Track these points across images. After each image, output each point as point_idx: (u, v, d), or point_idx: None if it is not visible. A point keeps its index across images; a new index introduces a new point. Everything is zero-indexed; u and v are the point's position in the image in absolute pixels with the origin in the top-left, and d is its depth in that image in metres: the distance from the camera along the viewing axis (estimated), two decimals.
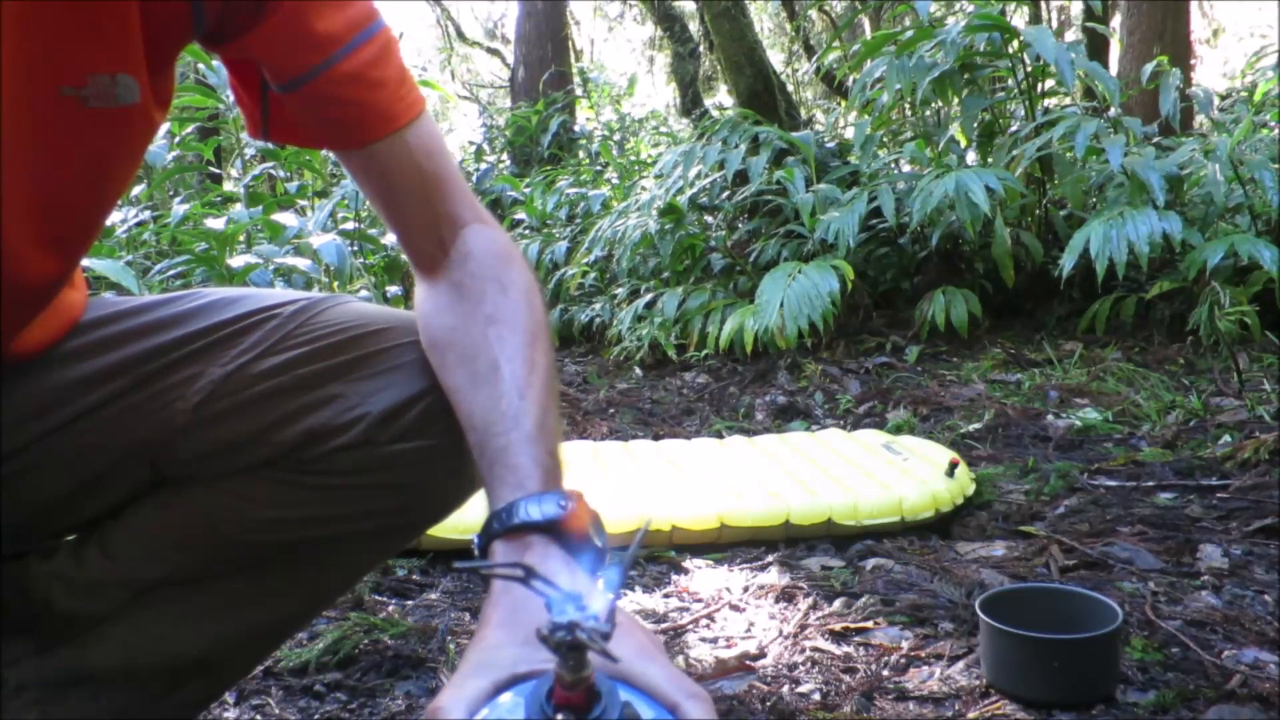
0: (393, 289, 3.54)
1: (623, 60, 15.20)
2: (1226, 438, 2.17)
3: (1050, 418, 2.48)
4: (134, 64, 0.68)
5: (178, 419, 0.80)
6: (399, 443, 0.81)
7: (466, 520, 1.29)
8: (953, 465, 1.86)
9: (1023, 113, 3.69)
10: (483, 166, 6.87)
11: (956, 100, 3.70)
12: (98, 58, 0.66)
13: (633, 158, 6.68)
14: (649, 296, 3.78)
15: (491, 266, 0.81)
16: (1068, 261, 2.94)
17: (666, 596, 1.54)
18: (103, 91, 0.66)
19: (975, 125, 3.69)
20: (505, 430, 0.70)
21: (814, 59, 8.62)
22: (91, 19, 0.64)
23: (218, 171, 5.06)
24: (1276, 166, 3.03)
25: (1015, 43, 3.48)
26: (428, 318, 0.82)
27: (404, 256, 3.78)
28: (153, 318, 0.84)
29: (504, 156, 7.33)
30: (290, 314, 0.84)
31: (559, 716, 0.46)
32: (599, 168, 6.31)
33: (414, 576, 1.65)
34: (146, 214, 3.18)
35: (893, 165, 3.93)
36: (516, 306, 0.79)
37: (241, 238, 2.80)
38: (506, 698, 0.55)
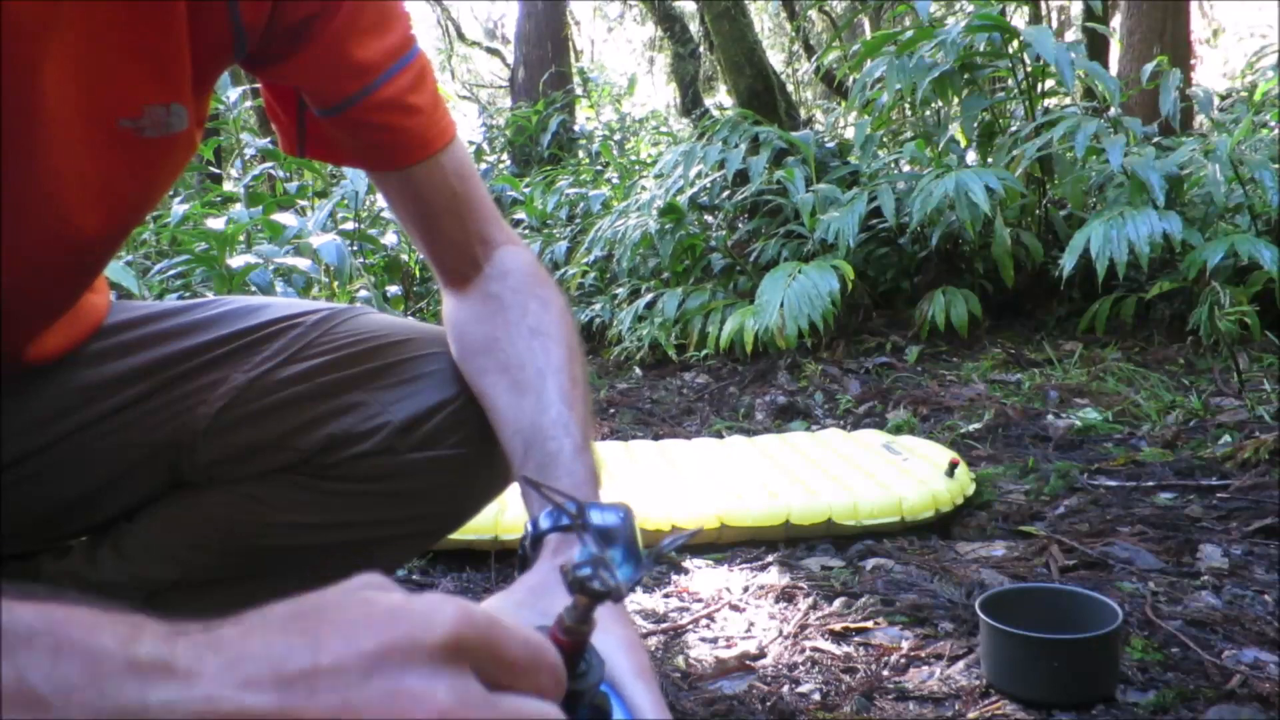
0: (393, 289, 3.54)
1: (623, 60, 15.20)
2: (1226, 438, 2.17)
3: (1050, 418, 2.48)
4: (184, 93, 0.69)
5: (199, 423, 0.80)
6: (419, 451, 0.81)
7: (471, 522, 1.29)
8: (953, 465, 1.86)
9: (1023, 113, 3.69)
10: (483, 166, 6.87)
11: (956, 100, 3.70)
12: (153, 89, 0.67)
13: (633, 158, 6.68)
14: (649, 296, 3.77)
15: (530, 284, 0.83)
16: (1068, 261, 2.94)
17: (666, 596, 1.54)
18: (157, 121, 0.68)
19: (975, 125, 3.69)
20: (557, 436, 0.73)
21: (814, 59, 8.62)
22: (148, 52, 0.65)
23: (218, 171, 5.06)
24: (1276, 166, 3.03)
25: (1015, 43, 3.48)
26: (462, 326, 0.83)
27: (403, 257, 3.77)
28: (176, 323, 0.84)
29: (504, 156, 7.33)
30: (313, 323, 0.85)
31: None
32: (599, 168, 6.31)
33: (414, 577, 1.65)
34: None
35: (893, 165, 3.92)
36: (557, 322, 0.81)
37: (241, 238, 2.80)
38: None
